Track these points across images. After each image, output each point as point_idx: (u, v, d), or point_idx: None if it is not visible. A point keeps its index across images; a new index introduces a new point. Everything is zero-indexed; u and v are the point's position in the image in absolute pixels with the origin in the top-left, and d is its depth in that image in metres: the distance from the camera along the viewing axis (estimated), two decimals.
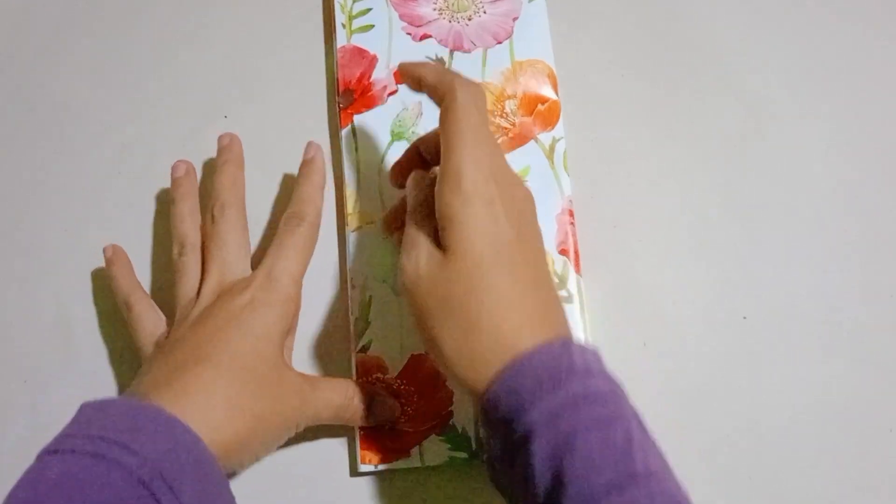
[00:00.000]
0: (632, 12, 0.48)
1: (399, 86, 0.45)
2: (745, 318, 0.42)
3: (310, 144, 0.43)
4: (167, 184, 0.46)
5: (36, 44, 0.49)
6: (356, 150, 0.44)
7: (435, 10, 0.47)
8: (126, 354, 0.43)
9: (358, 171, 0.44)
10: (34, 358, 0.43)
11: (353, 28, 0.46)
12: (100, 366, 0.43)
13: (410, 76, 0.36)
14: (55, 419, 0.41)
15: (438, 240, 0.33)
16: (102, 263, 0.44)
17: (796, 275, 0.43)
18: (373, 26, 0.46)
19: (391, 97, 0.45)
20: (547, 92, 0.45)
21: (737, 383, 0.41)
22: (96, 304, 0.44)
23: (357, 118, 0.45)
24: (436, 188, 0.33)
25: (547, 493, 0.28)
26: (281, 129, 0.47)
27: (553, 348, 0.30)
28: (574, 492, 0.27)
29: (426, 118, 0.44)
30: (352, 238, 0.43)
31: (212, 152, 0.46)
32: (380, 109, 0.45)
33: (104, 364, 0.43)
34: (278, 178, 0.46)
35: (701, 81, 0.47)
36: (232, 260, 0.39)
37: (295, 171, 0.43)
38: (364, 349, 0.41)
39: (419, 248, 0.33)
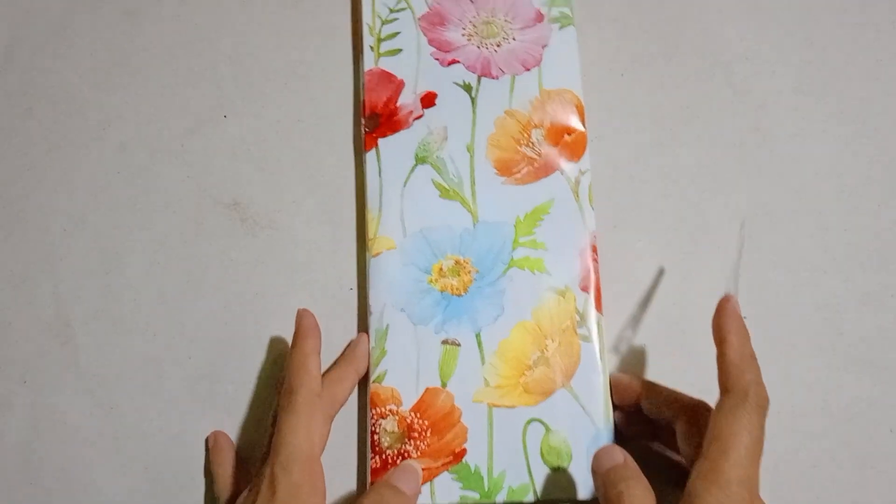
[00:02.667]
0: (663, 43, 0.48)
1: (425, 110, 0.44)
2: (745, 318, 0.42)
3: (360, 337, 0.42)
4: (166, 183, 0.46)
5: (34, 43, 0.49)
6: (380, 173, 0.43)
7: (464, 35, 0.46)
8: (125, 354, 0.43)
9: (381, 196, 0.43)
10: (34, 358, 0.43)
11: (381, 51, 0.45)
12: (99, 366, 0.43)
13: (717, 332, 0.35)
14: (55, 420, 0.42)
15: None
16: (101, 263, 0.44)
17: (798, 278, 0.43)
18: (401, 50, 0.45)
19: (417, 121, 0.44)
20: (574, 122, 0.44)
21: None
22: (96, 304, 0.44)
23: (382, 142, 0.44)
24: (695, 479, 0.32)
25: None
26: (306, 152, 0.46)
27: None
28: None
29: (451, 142, 0.44)
30: (372, 264, 0.42)
31: (210, 152, 0.46)
32: (405, 133, 0.44)
33: (104, 364, 0.43)
34: (303, 200, 0.45)
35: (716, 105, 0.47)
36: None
37: (317, 189, 0.44)
38: (379, 379, 0.40)
39: None
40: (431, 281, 0.41)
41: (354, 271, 0.44)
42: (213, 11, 0.49)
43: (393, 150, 0.44)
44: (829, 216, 0.44)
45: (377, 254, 0.42)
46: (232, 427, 0.41)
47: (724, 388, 0.33)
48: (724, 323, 0.35)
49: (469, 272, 0.42)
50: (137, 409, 0.42)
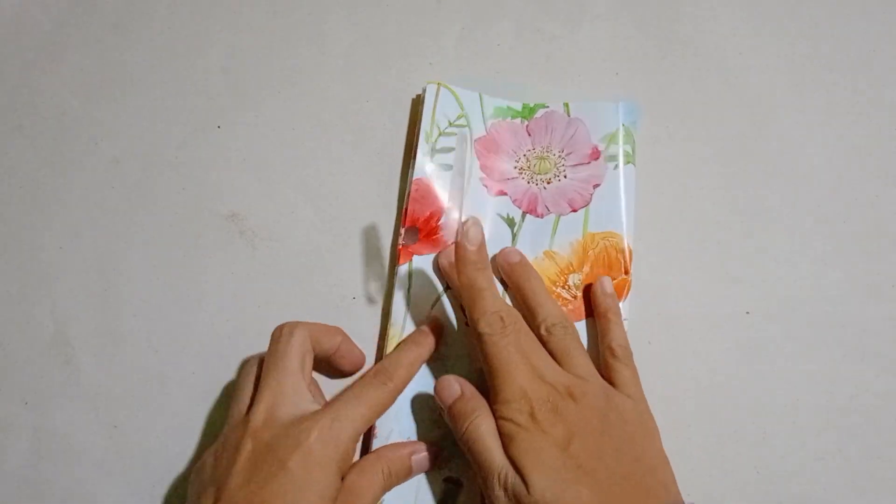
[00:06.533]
0: (657, 40, 0.48)
1: None
2: (748, 313, 0.42)
3: (435, 319, 0.41)
4: (162, 196, 0.45)
5: (27, 58, 0.48)
6: (408, 290, 0.42)
7: (516, 168, 0.44)
8: (126, 372, 0.42)
9: (405, 317, 0.41)
10: (34, 379, 0.42)
11: (433, 162, 0.44)
12: (101, 384, 0.42)
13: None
14: (58, 441, 0.41)
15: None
16: (99, 280, 0.43)
17: (799, 270, 0.43)
18: (451, 167, 0.43)
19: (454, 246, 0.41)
20: (615, 270, 0.42)
21: (741, 378, 0.42)
22: (95, 322, 0.43)
23: (416, 259, 0.42)
24: (497, 411, 0.35)
25: None
26: (301, 160, 0.46)
27: None
28: None
29: None
30: None
31: (204, 163, 0.45)
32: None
33: (106, 382, 0.42)
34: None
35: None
36: (289, 391, 0.36)
37: (315, 198, 0.43)
38: None
39: (493, 468, 0.34)
40: (443, 415, 0.38)
41: (355, 281, 0.43)
42: (202, 22, 0.49)
43: (427, 270, 0.42)
44: (828, 208, 0.44)
45: None
46: None
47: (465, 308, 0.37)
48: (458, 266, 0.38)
49: None
50: (142, 427, 0.41)
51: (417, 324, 0.41)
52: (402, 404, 0.39)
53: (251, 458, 0.34)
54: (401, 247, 0.42)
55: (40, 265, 0.44)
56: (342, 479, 0.35)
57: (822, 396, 0.41)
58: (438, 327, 0.41)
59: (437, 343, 0.40)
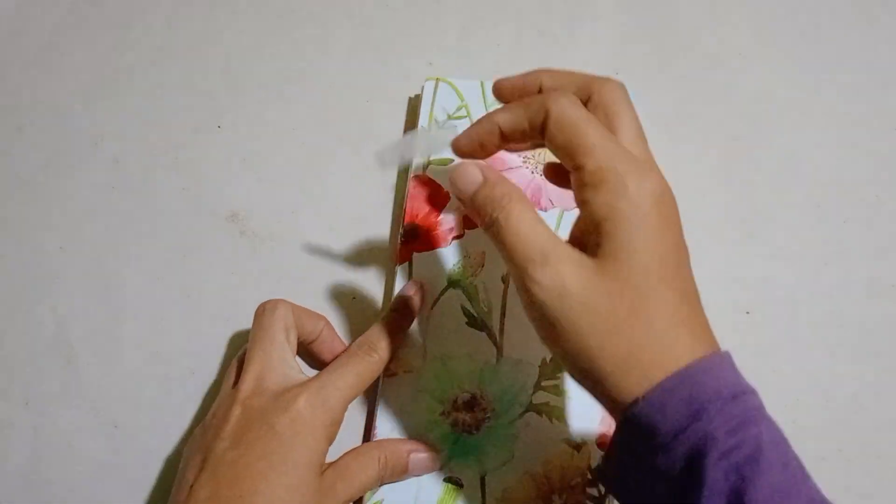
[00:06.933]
0: (656, 41, 0.48)
1: (466, 230, 0.42)
2: (748, 313, 0.42)
3: (413, 283, 0.40)
4: (162, 196, 0.45)
5: (26, 59, 0.48)
6: None
7: (521, 156, 0.43)
8: (127, 372, 0.42)
9: None
10: (35, 380, 0.42)
11: (431, 158, 0.43)
12: (102, 385, 0.42)
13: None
14: (59, 441, 0.41)
15: (577, 244, 0.29)
16: (100, 280, 0.43)
17: (799, 270, 0.43)
18: (452, 160, 0.42)
19: (455, 241, 0.42)
20: None
21: None
22: (96, 322, 0.43)
23: (416, 257, 0.42)
24: (583, 190, 0.28)
25: None
26: (302, 160, 0.46)
27: (724, 360, 0.27)
28: None
29: (487, 270, 0.41)
30: (385, 385, 0.40)
31: (204, 163, 0.45)
32: (441, 252, 0.42)
33: (106, 383, 0.42)
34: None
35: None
36: (276, 361, 0.36)
37: (316, 198, 0.42)
38: None
39: (559, 258, 0.28)
40: (444, 413, 0.39)
41: (357, 280, 0.43)
42: (203, 22, 0.49)
43: (426, 267, 0.41)
44: (828, 208, 0.44)
45: (391, 375, 0.40)
46: None
47: (536, 130, 0.30)
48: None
49: (484, 409, 0.39)
50: (142, 428, 0.41)
51: (418, 323, 0.41)
52: (403, 404, 0.39)
53: (239, 424, 0.34)
54: (400, 245, 0.42)
55: (40, 265, 0.44)
56: (329, 445, 0.35)
57: (823, 397, 0.41)
58: (420, 290, 0.40)
59: (423, 305, 0.40)
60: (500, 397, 0.39)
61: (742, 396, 0.26)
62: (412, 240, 0.42)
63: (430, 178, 0.43)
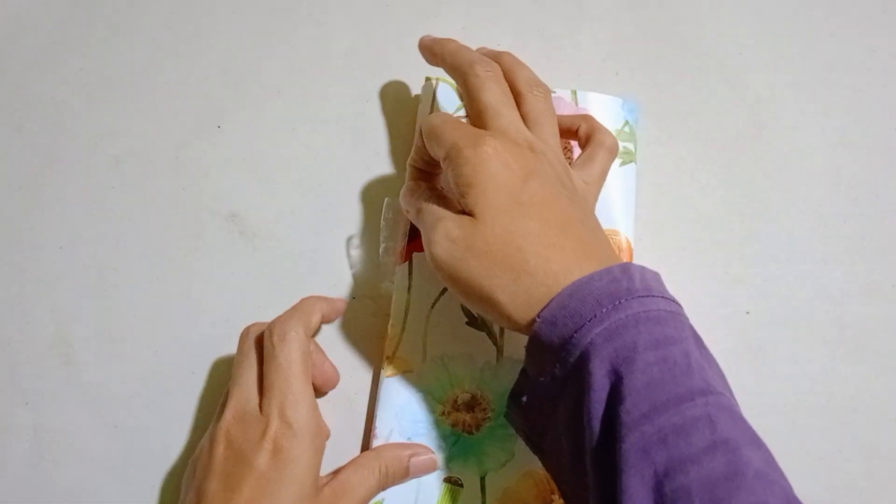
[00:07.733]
0: (656, 40, 0.48)
1: None
2: (748, 312, 0.42)
3: (340, 300, 0.42)
4: (162, 196, 0.45)
5: (27, 58, 0.49)
6: (409, 290, 0.41)
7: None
8: (127, 372, 0.42)
9: (406, 315, 0.41)
10: (35, 379, 0.42)
11: None
12: (102, 385, 0.42)
13: (430, 52, 0.40)
14: (59, 441, 0.41)
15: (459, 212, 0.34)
16: (100, 280, 0.43)
17: (799, 270, 0.43)
18: None
19: None
20: None
21: (741, 378, 0.41)
22: (96, 322, 0.43)
23: (416, 256, 0.41)
24: (446, 168, 0.35)
25: (604, 412, 0.28)
26: (302, 160, 0.46)
27: (612, 272, 0.30)
28: (632, 406, 0.27)
29: None
30: (385, 384, 0.39)
31: (204, 163, 0.45)
32: None
33: (106, 383, 0.42)
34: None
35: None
36: (249, 396, 0.36)
37: (315, 197, 0.43)
38: None
39: (445, 219, 0.34)
40: (444, 413, 0.39)
41: (357, 281, 0.43)
42: (202, 22, 0.49)
43: (427, 267, 0.41)
44: (828, 208, 0.44)
45: (392, 375, 0.40)
46: None
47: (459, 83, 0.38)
48: (431, 46, 0.41)
49: (485, 409, 0.39)
50: (143, 427, 0.41)
51: (418, 321, 0.41)
52: (403, 405, 0.39)
53: (226, 461, 0.34)
54: (401, 246, 0.42)
55: (40, 265, 0.44)
56: (334, 475, 0.36)
57: (822, 396, 0.41)
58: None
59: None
60: (500, 397, 0.39)
61: (624, 303, 0.29)
62: (413, 240, 0.42)
63: None
